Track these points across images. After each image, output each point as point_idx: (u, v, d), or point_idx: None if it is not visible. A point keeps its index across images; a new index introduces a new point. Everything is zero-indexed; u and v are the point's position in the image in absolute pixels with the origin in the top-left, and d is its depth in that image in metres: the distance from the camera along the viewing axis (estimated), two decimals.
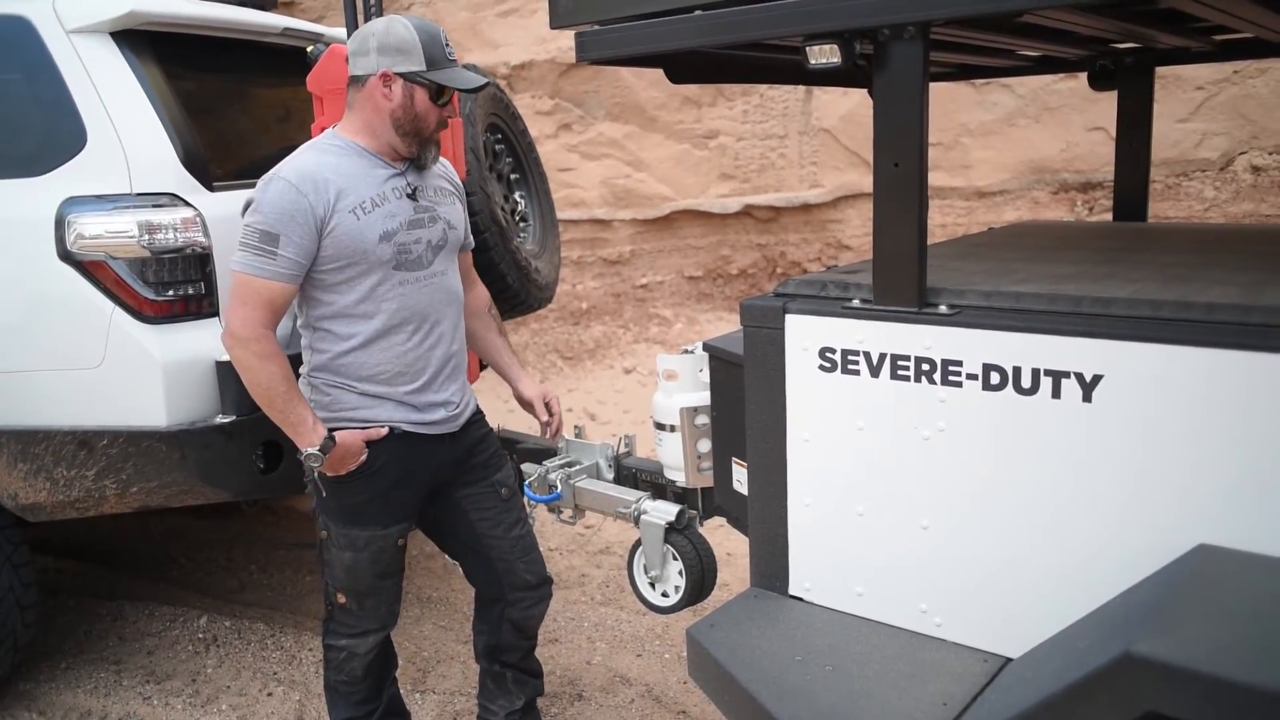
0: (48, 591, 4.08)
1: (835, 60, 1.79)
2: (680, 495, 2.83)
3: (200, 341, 2.93)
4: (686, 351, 2.68)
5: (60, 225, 2.84)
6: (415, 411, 2.48)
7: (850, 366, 1.93)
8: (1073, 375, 1.67)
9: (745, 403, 2.13)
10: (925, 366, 1.83)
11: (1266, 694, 1.18)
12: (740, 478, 2.38)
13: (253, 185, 3.27)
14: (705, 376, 2.56)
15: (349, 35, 3.39)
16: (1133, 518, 1.64)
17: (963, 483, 1.82)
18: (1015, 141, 7.00)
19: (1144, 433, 1.61)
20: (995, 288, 1.87)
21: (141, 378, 2.86)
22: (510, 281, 3.55)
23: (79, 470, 2.94)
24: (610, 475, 3.08)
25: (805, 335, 1.99)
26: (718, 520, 2.80)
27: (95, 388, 2.89)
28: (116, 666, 3.59)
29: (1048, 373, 1.69)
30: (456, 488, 2.65)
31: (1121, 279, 1.91)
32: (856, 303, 1.95)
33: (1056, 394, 1.69)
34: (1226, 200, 6.39)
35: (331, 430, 2.37)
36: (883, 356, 1.89)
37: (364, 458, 2.41)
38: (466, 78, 2.40)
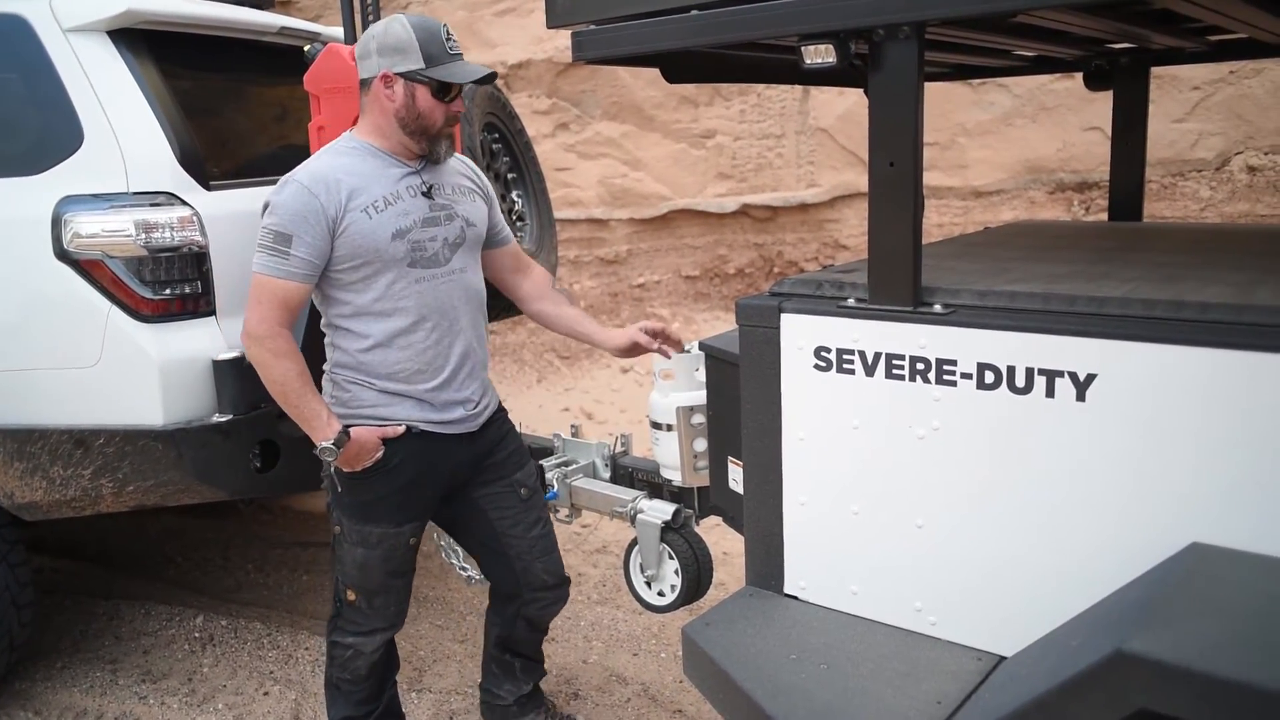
0: (44, 590, 4.08)
1: (830, 60, 1.79)
2: (676, 494, 2.84)
3: (197, 340, 2.93)
4: (683, 351, 2.68)
5: (57, 224, 2.84)
6: (434, 410, 2.48)
7: (845, 366, 1.93)
8: (1066, 374, 1.67)
9: (741, 402, 2.13)
10: (920, 366, 1.84)
11: (1258, 691, 1.19)
12: (736, 477, 2.38)
13: (249, 184, 3.30)
14: (701, 376, 2.57)
15: (346, 34, 3.39)
16: (1126, 516, 1.64)
17: (957, 482, 1.83)
18: (1012, 141, 7.00)
19: (1138, 432, 1.62)
20: (990, 287, 1.88)
21: (138, 376, 2.86)
22: None
23: (75, 469, 2.94)
24: (606, 474, 3.08)
25: (800, 334, 1.99)
26: (714, 519, 2.80)
27: (92, 386, 2.89)
28: (112, 666, 3.59)
29: (1042, 372, 1.70)
30: (475, 487, 2.66)
31: (1116, 278, 1.91)
32: (851, 302, 1.96)
33: (1050, 393, 1.69)
34: (1222, 200, 6.40)
35: (349, 427, 2.40)
36: (878, 356, 1.89)
37: (379, 455, 2.42)
38: (466, 71, 2.39)
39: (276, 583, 4.27)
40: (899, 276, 1.87)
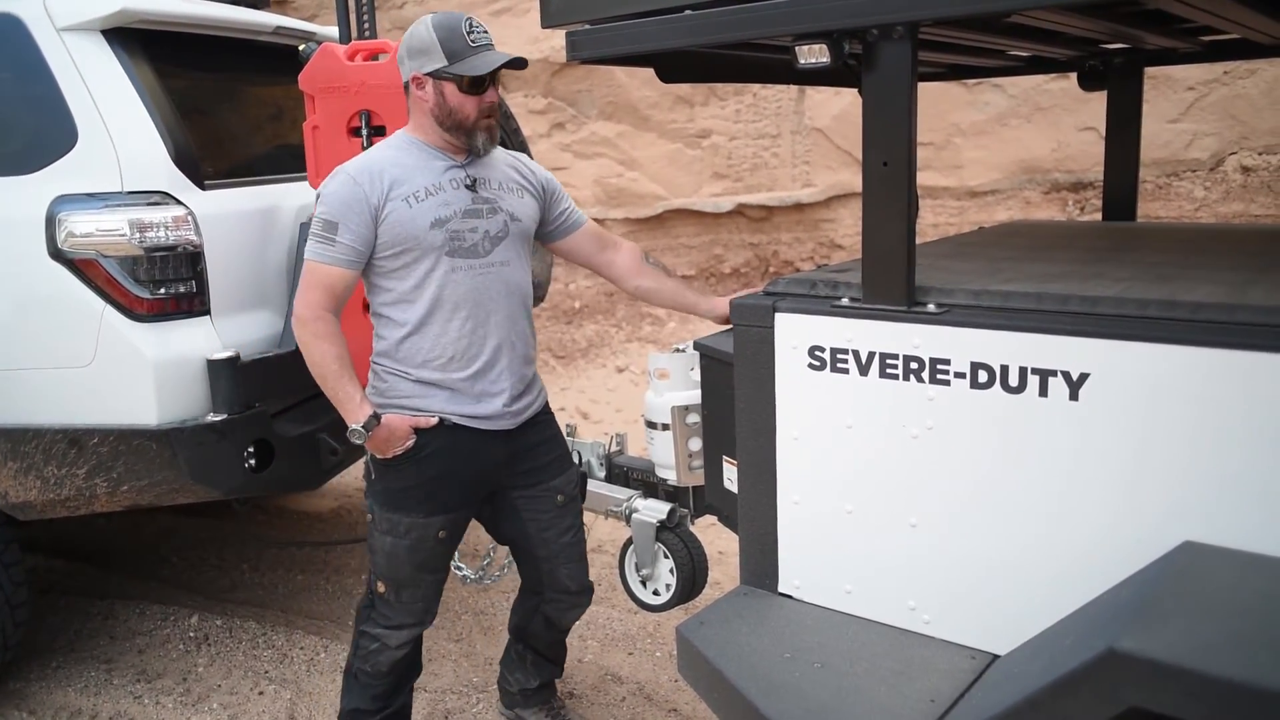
0: (38, 590, 4.08)
1: (824, 60, 1.79)
2: (671, 494, 2.83)
3: (191, 340, 2.93)
4: (678, 350, 2.68)
5: (51, 223, 2.84)
6: (469, 403, 2.51)
7: (839, 365, 1.94)
8: (1060, 374, 1.68)
9: (736, 401, 2.13)
10: (914, 365, 1.84)
11: (1248, 690, 1.19)
12: (731, 476, 2.38)
13: (244, 184, 3.31)
14: (696, 375, 2.57)
15: (341, 34, 3.39)
16: (1119, 515, 1.65)
17: (951, 481, 1.83)
18: (1007, 141, 7.02)
19: (1131, 431, 1.62)
20: (983, 287, 1.88)
21: (132, 376, 2.86)
22: None
23: (69, 469, 2.93)
24: (602, 474, 3.08)
25: (795, 334, 1.99)
26: (709, 518, 2.81)
27: (86, 386, 2.89)
28: (107, 665, 3.58)
29: (1035, 371, 1.70)
30: (513, 490, 2.67)
31: (1109, 278, 1.92)
32: (845, 301, 1.96)
33: (1044, 392, 1.69)
34: (1216, 200, 6.42)
35: (382, 413, 2.46)
36: (871, 355, 1.89)
37: (410, 443, 2.47)
38: (486, 61, 2.39)
39: (272, 582, 4.27)
40: (893, 276, 1.87)
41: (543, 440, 2.70)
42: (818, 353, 1.96)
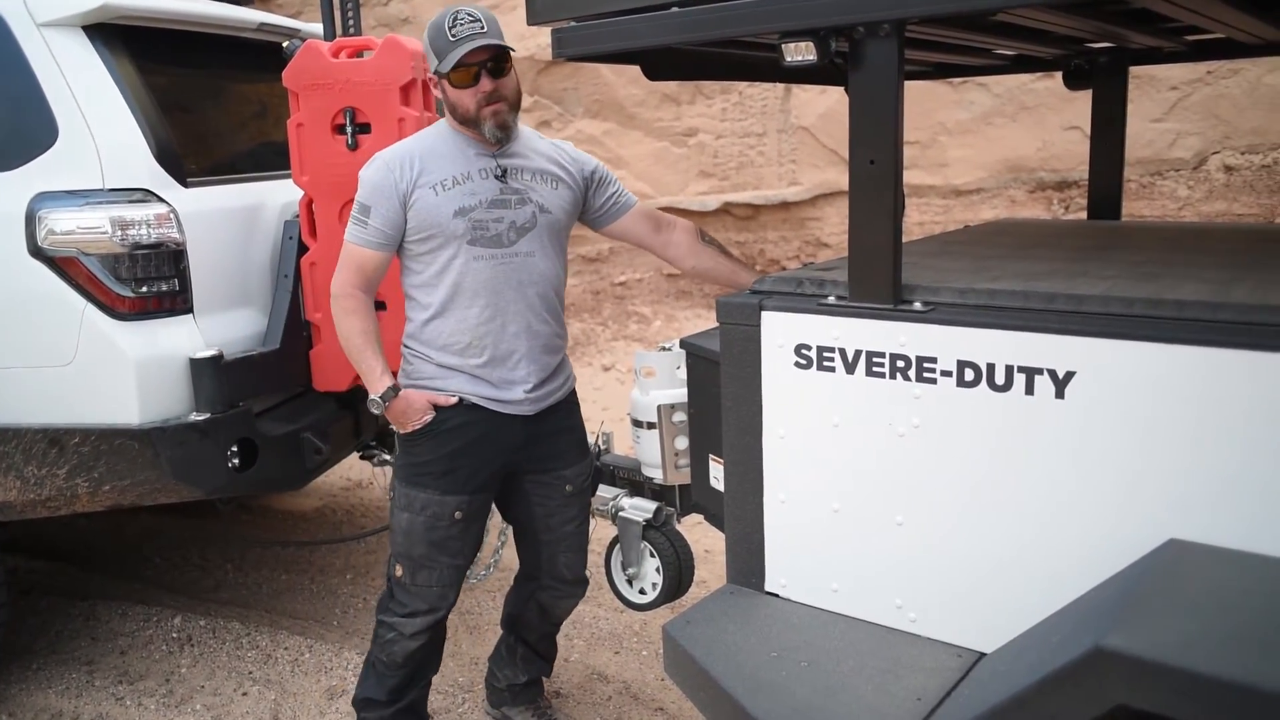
0: (18, 591, 4.04)
1: (811, 58, 1.79)
2: (658, 492, 2.83)
3: (174, 338, 2.90)
4: (664, 349, 2.68)
5: (31, 221, 2.81)
6: (490, 387, 2.55)
7: (826, 363, 1.93)
8: (1046, 372, 1.68)
9: (722, 399, 2.13)
10: (900, 363, 1.84)
11: (1235, 687, 1.20)
12: (717, 474, 2.38)
13: (228, 181, 3.28)
14: (683, 374, 2.56)
15: (325, 31, 3.37)
16: (1105, 513, 1.65)
17: (937, 479, 1.83)
18: (992, 140, 7.04)
19: (1116, 429, 1.62)
20: (969, 285, 1.88)
21: (114, 375, 2.83)
22: None
23: (50, 469, 2.90)
24: None
25: (781, 332, 1.99)
26: (695, 517, 2.80)
27: (67, 385, 2.87)
28: (89, 667, 3.55)
29: (1021, 369, 1.70)
30: (527, 474, 2.72)
31: (1095, 277, 1.92)
32: (832, 300, 1.96)
33: (1030, 390, 1.69)
34: (1200, 199, 6.46)
35: (403, 388, 2.56)
36: (858, 353, 1.89)
37: (428, 418, 2.54)
38: (459, 53, 2.37)
39: (255, 582, 4.25)
40: (879, 274, 1.87)
41: (562, 428, 2.73)
42: (804, 351, 1.96)
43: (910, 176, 7.06)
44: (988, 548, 1.79)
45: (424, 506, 2.57)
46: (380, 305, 2.77)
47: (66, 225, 2.80)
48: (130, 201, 2.85)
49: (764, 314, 2.01)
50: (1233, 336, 1.52)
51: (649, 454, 2.71)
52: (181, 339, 2.91)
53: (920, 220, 7.12)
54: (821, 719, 1.71)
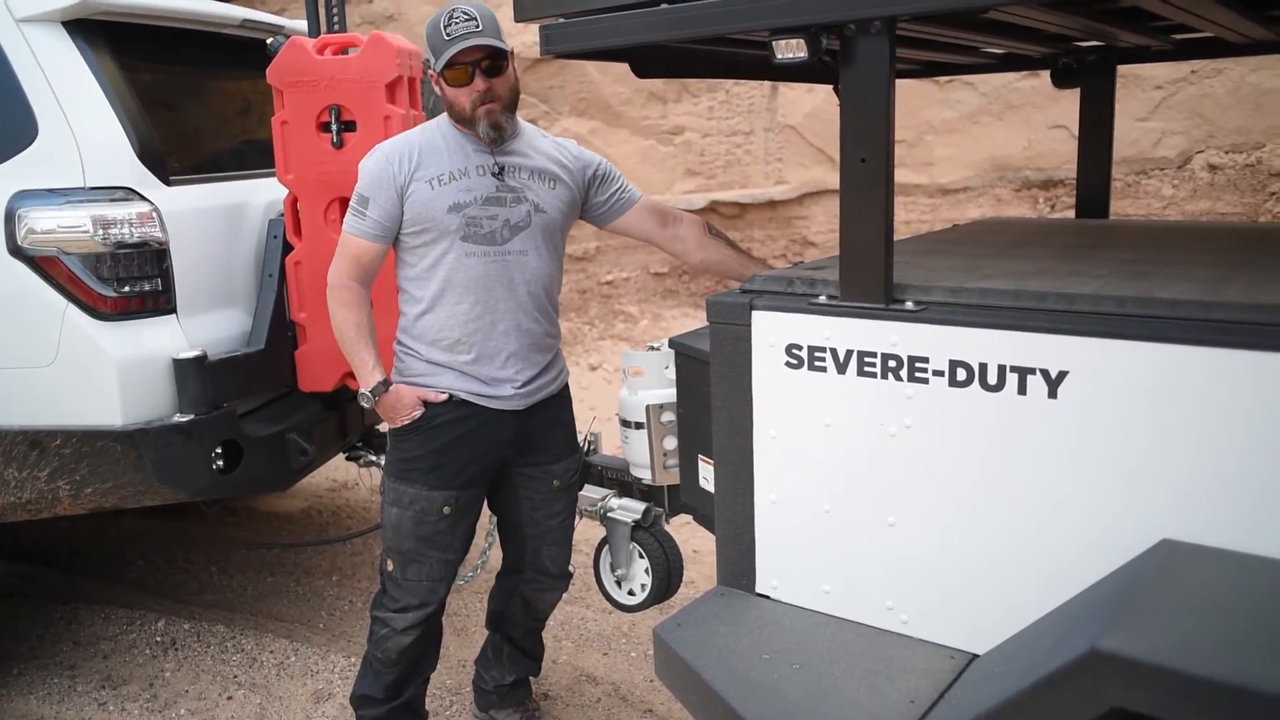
0: None
1: (802, 55, 1.78)
2: (646, 493, 2.81)
3: (157, 339, 2.87)
4: (652, 348, 2.66)
5: (10, 219, 2.77)
6: (479, 384, 2.55)
7: (817, 363, 1.92)
8: (1038, 371, 1.67)
9: (712, 400, 2.11)
10: (892, 363, 1.83)
11: (1231, 689, 1.19)
12: (707, 475, 2.37)
13: (211, 180, 3.25)
14: (671, 373, 2.55)
15: (310, 28, 3.34)
16: (1098, 513, 1.64)
17: (929, 479, 1.82)
18: (978, 139, 7.06)
19: (1109, 429, 1.62)
20: (961, 284, 1.87)
21: (96, 376, 2.80)
22: None
23: (31, 471, 2.87)
24: None
25: (772, 332, 1.98)
26: (683, 516, 2.79)
27: (47, 386, 2.83)
28: (71, 672, 3.51)
29: (1014, 369, 1.69)
30: (516, 466, 2.72)
31: (1086, 275, 1.92)
32: (823, 299, 1.95)
33: (1022, 390, 1.69)
34: (1184, 198, 6.49)
35: (393, 382, 2.56)
36: (849, 353, 1.88)
37: (417, 414, 2.54)
38: (449, 52, 2.36)
39: (240, 585, 4.21)
40: (871, 273, 1.86)
41: (552, 423, 2.72)
42: (795, 351, 1.95)
43: (896, 175, 7.07)
44: (980, 549, 1.78)
45: (412, 501, 2.56)
46: None
47: (47, 224, 2.76)
48: (112, 200, 2.81)
49: (755, 313, 1.99)
50: (1227, 336, 1.51)
51: (637, 454, 2.69)
52: (165, 339, 2.88)
53: (906, 219, 7.13)
54: None
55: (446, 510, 2.57)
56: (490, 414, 2.57)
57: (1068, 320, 1.67)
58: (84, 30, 2.89)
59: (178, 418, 2.88)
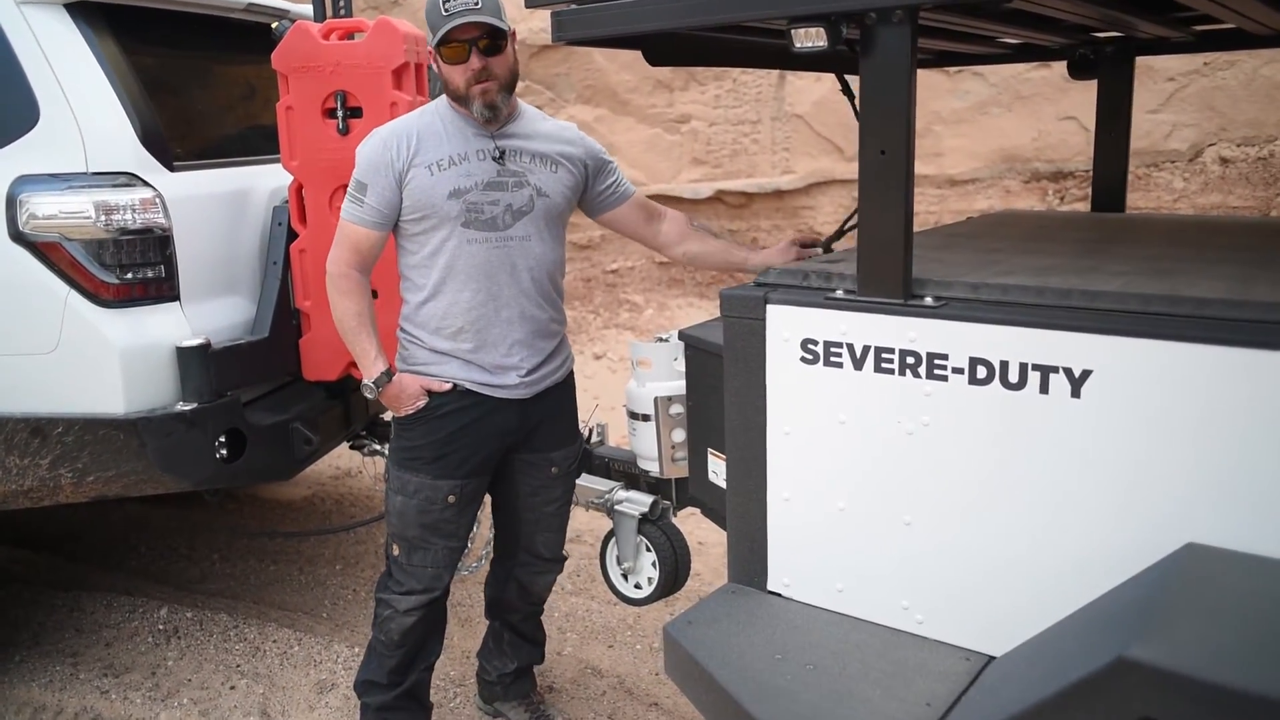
0: (0, 582, 3.97)
1: (821, 44, 1.73)
2: (654, 485, 2.79)
3: (160, 326, 2.84)
4: (661, 340, 2.63)
5: (11, 205, 2.73)
6: (483, 373, 2.52)
7: (833, 358, 1.89)
8: (1061, 370, 1.63)
9: (724, 394, 2.08)
10: (910, 359, 1.79)
11: (1263, 700, 1.16)
12: (716, 469, 2.34)
13: (215, 165, 3.21)
14: (680, 365, 2.52)
15: (315, 12, 3.30)
16: (1121, 515, 1.61)
17: (947, 478, 1.79)
18: (987, 130, 7.00)
19: (1134, 430, 1.58)
20: (981, 279, 1.83)
21: (98, 363, 2.77)
22: None
23: (32, 459, 2.84)
24: None
25: (787, 326, 1.94)
26: (689, 509, 2.76)
27: (49, 373, 2.80)
28: (73, 659, 3.49)
29: (1036, 367, 1.66)
30: (518, 452, 2.69)
31: (1107, 271, 1.88)
32: (840, 293, 1.91)
33: (1045, 389, 1.65)
34: (1195, 191, 6.43)
35: (396, 371, 2.53)
36: (866, 349, 1.84)
37: (421, 403, 2.51)
38: (446, 27, 2.32)
39: (243, 573, 4.19)
40: (889, 268, 1.82)
41: (556, 411, 2.70)
42: (811, 346, 1.91)
43: None
44: (998, 550, 1.75)
45: (416, 490, 2.55)
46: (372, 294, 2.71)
47: (48, 209, 2.73)
48: (114, 185, 2.78)
49: (769, 307, 1.96)
50: (1257, 336, 1.48)
51: (645, 447, 2.66)
52: (168, 327, 2.85)
53: (914, 210, 7.08)
54: None
55: (451, 499, 2.56)
56: (495, 403, 2.54)
57: (1092, 318, 1.63)
58: (86, 13, 2.85)
59: (181, 406, 2.84)
